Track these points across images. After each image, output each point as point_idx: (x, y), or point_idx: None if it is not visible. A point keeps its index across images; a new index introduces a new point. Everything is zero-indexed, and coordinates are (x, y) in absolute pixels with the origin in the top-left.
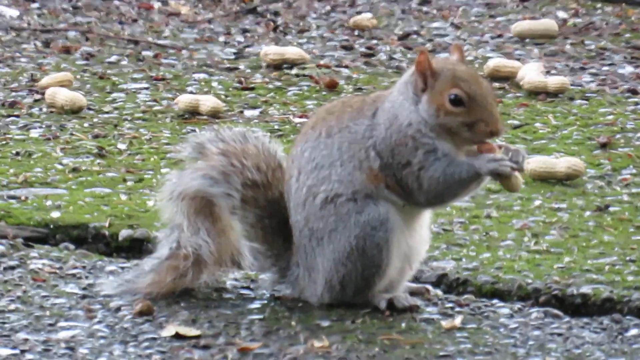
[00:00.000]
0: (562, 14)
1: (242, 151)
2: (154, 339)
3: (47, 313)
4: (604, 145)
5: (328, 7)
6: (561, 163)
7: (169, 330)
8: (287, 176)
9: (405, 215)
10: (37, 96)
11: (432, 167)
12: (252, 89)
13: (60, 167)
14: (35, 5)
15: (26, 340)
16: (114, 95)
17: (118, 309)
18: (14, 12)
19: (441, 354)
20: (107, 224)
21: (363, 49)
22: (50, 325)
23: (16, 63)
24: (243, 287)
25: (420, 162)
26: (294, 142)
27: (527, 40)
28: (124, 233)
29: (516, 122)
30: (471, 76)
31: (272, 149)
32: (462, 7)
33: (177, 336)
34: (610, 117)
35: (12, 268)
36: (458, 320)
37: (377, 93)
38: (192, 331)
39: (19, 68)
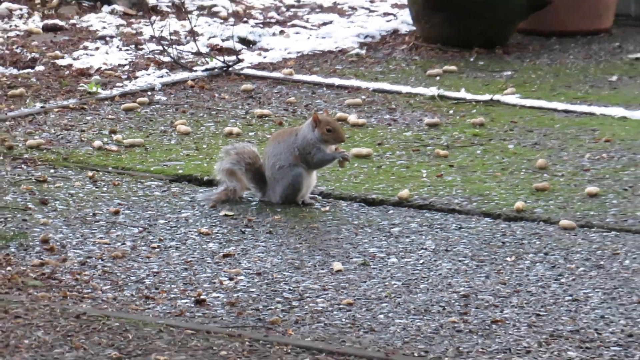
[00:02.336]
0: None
1: (242, 151)
2: (215, 215)
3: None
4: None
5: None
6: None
7: (221, 213)
8: (263, 159)
9: (307, 172)
10: None
11: (317, 156)
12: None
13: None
14: None
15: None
16: None
17: (202, 205)
18: None
19: (320, 220)
20: (199, 175)
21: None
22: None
23: None
24: (250, 196)
25: (313, 153)
26: (266, 146)
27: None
28: (206, 178)
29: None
30: (333, 121)
31: (254, 149)
32: None
33: (226, 215)
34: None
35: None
36: (327, 208)
37: (297, 126)
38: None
39: None
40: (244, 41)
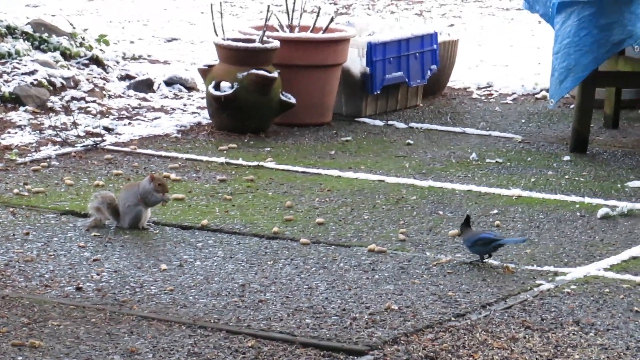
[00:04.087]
0: None
1: (105, 196)
2: (88, 235)
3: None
4: None
5: None
6: None
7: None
8: (118, 200)
9: (145, 209)
10: None
11: (151, 199)
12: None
13: None
14: None
15: None
16: None
17: (81, 229)
18: None
19: (153, 238)
20: (79, 210)
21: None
22: None
23: None
24: (110, 225)
25: (149, 197)
26: (120, 192)
27: None
28: (83, 212)
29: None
30: (162, 178)
31: (112, 194)
32: None
33: (95, 235)
34: None
35: None
36: (157, 231)
37: (139, 181)
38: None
39: None
40: (106, 129)
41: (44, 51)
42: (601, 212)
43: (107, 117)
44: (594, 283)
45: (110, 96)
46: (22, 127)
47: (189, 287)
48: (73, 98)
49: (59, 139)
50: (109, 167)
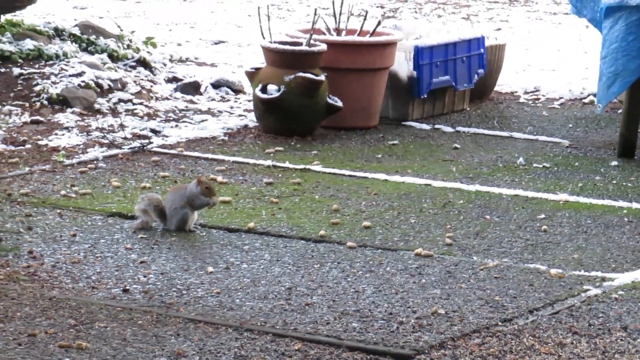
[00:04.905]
0: None
1: (152, 198)
2: (135, 237)
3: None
4: None
5: None
6: None
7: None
8: (164, 203)
9: (191, 211)
10: None
11: (197, 202)
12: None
13: None
14: None
15: None
16: None
17: (127, 231)
18: None
19: (199, 241)
20: (126, 212)
21: None
22: None
23: None
24: (156, 227)
25: (196, 200)
26: (166, 194)
27: None
28: (130, 214)
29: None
30: (209, 181)
31: (159, 197)
32: None
33: (142, 237)
34: None
35: None
36: (204, 234)
37: (186, 184)
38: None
39: None
40: (153, 131)
41: (92, 53)
42: None
43: (154, 119)
44: None
45: (157, 98)
46: (70, 128)
47: (236, 289)
48: (120, 100)
49: (106, 141)
50: (155, 169)
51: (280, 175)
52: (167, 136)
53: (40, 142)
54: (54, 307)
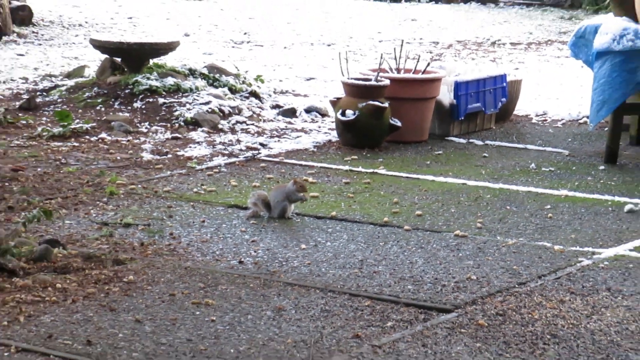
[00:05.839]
0: None
1: (260, 194)
2: (248, 223)
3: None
4: None
5: None
6: None
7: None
8: (269, 197)
9: (289, 204)
10: None
11: (293, 197)
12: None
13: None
14: None
15: None
16: None
17: (242, 217)
18: None
19: (295, 225)
20: (242, 204)
21: None
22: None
23: None
24: (263, 214)
25: (292, 196)
26: (271, 191)
27: None
28: (244, 206)
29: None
30: (302, 182)
31: (265, 193)
32: None
33: (253, 223)
34: None
35: None
36: (298, 220)
37: (285, 184)
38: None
39: None
40: (261, 144)
41: (216, 87)
42: (627, 207)
43: (262, 135)
44: (622, 260)
45: (264, 120)
46: (200, 143)
47: (322, 261)
48: (237, 122)
49: (226, 152)
50: (263, 172)
51: (355, 177)
52: (271, 148)
53: (178, 153)
54: (188, 274)
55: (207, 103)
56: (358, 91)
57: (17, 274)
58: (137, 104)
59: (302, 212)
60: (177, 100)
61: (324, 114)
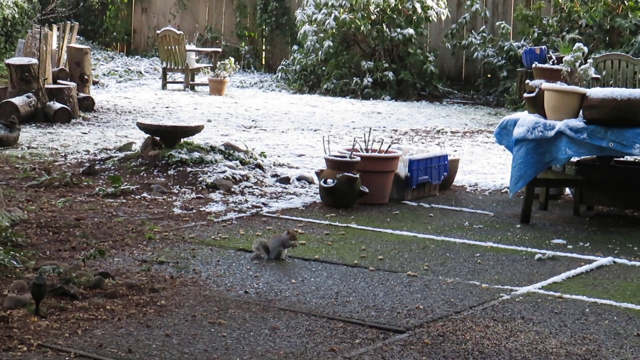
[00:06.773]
0: None
1: (261, 242)
2: (252, 262)
3: None
4: None
5: None
6: None
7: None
8: (268, 243)
9: (284, 249)
10: None
11: (286, 244)
12: None
13: None
14: None
15: None
16: None
17: (247, 258)
18: None
19: (288, 263)
20: (248, 248)
21: None
22: None
23: None
24: (264, 256)
25: (286, 243)
26: (269, 239)
27: None
28: (250, 249)
29: None
30: (294, 233)
31: (265, 240)
32: None
33: (255, 262)
34: None
35: None
36: (289, 261)
37: (281, 233)
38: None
39: None
40: (263, 204)
41: (230, 160)
42: (537, 256)
43: (264, 197)
44: (533, 296)
45: (266, 186)
46: (217, 201)
47: (307, 292)
48: (245, 186)
49: (237, 209)
50: (264, 225)
51: (333, 229)
52: (271, 207)
53: (201, 209)
54: (206, 300)
55: (223, 172)
56: (336, 165)
57: (77, 298)
58: (171, 172)
59: (293, 255)
60: (200, 170)
61: (310, 182)
